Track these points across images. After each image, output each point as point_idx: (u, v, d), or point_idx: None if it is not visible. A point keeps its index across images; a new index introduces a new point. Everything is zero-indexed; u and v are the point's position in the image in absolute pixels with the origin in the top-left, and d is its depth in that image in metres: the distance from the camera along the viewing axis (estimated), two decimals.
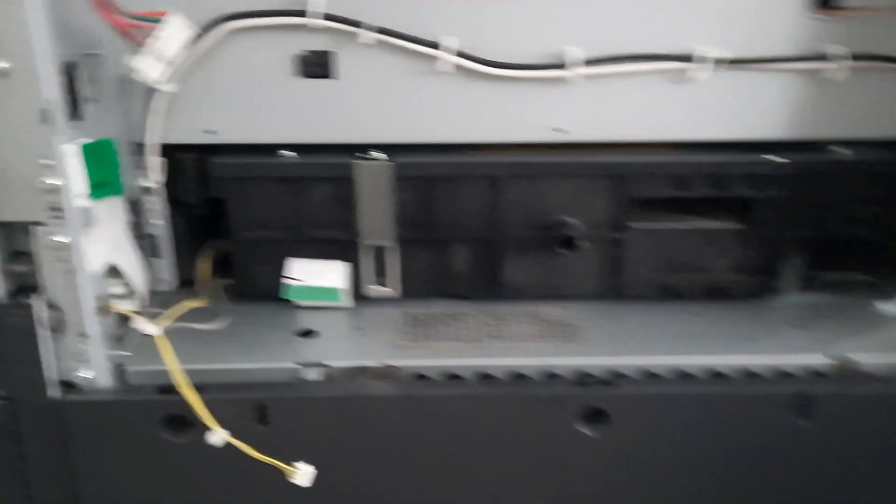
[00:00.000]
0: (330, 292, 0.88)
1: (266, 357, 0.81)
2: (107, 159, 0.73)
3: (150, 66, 0.71)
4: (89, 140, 0.73)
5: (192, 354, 0.80)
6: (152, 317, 0.84)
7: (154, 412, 0.75)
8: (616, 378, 0.79)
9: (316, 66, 0.83)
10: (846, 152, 0.84)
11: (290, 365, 0.79)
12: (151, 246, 0.88)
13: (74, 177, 0.70)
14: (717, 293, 0.89)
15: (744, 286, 0.90)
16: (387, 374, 0.79)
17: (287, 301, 0.89)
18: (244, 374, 0.79)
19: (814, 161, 0.84)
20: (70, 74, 0.72)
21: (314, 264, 0.89)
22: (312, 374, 0.79)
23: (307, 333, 0.86)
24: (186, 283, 0.93)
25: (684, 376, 0.80)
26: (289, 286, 0.87)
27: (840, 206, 0.87)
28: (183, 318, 0.85)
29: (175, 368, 0.74)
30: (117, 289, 0.79)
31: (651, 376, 0.80)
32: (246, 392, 0.76)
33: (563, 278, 0.91)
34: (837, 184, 0.85)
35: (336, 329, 0.87)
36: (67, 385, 0.76)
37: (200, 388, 0.75)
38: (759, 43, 0.83)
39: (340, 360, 0.80)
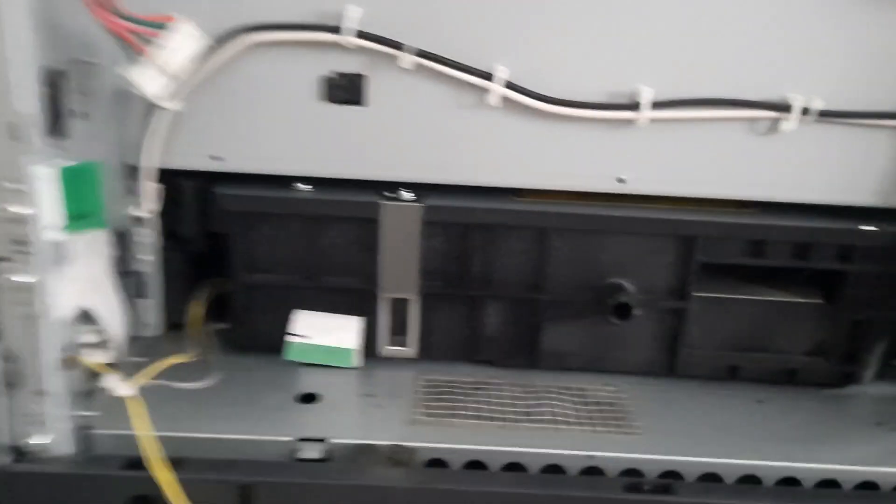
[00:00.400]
0: (340, 354, 0.75)
1: (257, 427, 0.69)
2: (89, 187, 0.62)
3: (149, 80, 0.60)
4: (72, 162, 0.61)
5: (172, 419, 0.68)
6: (130, 369, 0.72)
7: (118, 491, 0.63)
8: (673, 482, 0.67)
9: (344, 90, 0.72)
10: None
11: (284, 438, 0.68)
12: (137, 285, 0.76)
13: (47, 205, 0.59)
14: (788, 378, 0.80)
15: (821, 372, 0.80)
16: (398, 457, 0.67)
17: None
18: (229, 447, 0.67)
19: None
20: (54, 84, 0.61)
21: (324, 318, 0.77)
22: (310, 452, 0.67)
23: (308, 398, 0.74)
24: (176, 328, 0.81)
25: (754, 484, 0.68)
26: (291, 344, 0.75)
27: None
28: (165, 373, 0.73)
29: (147, 438, 0.62)
30: (89, 337, 0.67)
31: (714, 480, 0.68)
32: (229, 471, 0.64)
33: (613, 350, 0.81)
34: None
35: (342, 394, 0.75)
36: (18, 452, 0.64)
37: (176, 463, 0.63)
38: (860, 94, 0.72)
39: (345, 436, 0.69)
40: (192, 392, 0.73)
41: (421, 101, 0.72)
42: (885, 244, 0.74)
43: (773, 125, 0.72)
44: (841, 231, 0.74)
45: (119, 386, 0.65)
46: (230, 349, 0.80)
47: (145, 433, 0.63)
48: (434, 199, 0.76)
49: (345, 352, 0.75)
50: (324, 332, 0.75)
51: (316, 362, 0.75)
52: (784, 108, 0.71)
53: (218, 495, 0.63)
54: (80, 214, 0.61)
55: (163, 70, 0.60)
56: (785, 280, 0.78)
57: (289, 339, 0.75)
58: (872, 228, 0.74)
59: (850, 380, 0.79)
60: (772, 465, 0.68)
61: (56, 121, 0.61)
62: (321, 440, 0.68)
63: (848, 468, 0.68)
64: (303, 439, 0.68)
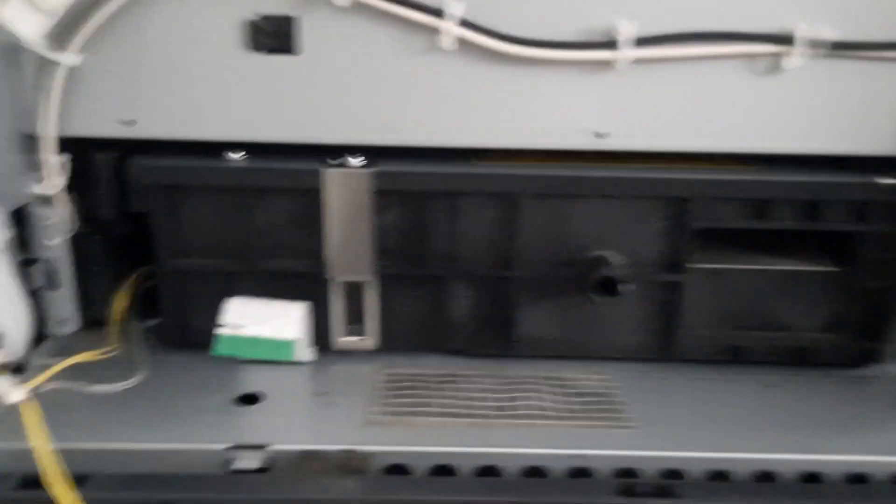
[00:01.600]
0: (279, 347, 0.65)
1: (183, 434, 0.60)
2: None
3: (19, 15, 0.49)
4: None
5: (77, 428, 0.59)
6: (38, 373, 0.62)
7: None
8: (675, 482, 0.58)
9: (272, 36, 0.63)
10: None
11: (215, 446, 0.59)
12: (46, 274, 0.65)
13: None
14: (799, 358, 0.73)
15: (836, 350, 0.73)
16: (351, 464, 0.57)
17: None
18: (148, 460, 0.58)
19: None
20: None
21: (262, 306, 0.67)
22: (247, 461, 0.58)
23: (248, 399, 0.65)
24: (98, 324, 0.71)
25: (768, 482, 0.59)
26: (220, 337, 0.64)
27: None
28: (73, 375, 0.62)
29: (43, 451, 0.52)
30: None
31: (722, 478, 0.60)
32: (146, 488, 0.55)
33: (598, 333, 0.73)
34: None
35: (289, 393, 0.67)
36: None
37: (82, 481, 0.54)
38: (878, 22, 0.63)
39: (288, 441, 0.60)
40: (106, 396, 0.64)
41: (362, 46, 0.64)
42: None
43: (775, 62, 0.65)
44: (855, 186, 0.67)
45: (10, 390, 0.54)
46: (159, 347, 0.71)
47: (41, 445, 0.52)
48: (385, 164, 0.67)
49: (285, 344, 0.65)
50: (260, 321, 0.65)
51: (251, 357, 0.65)
52: (787, 40, 0.63)
53: None
54: None
55: (36, 4, 0.50)
56: (793, 246, 0.72)
57: (218, 331, 0.64)
58: (891, 181, 0.67)
59: (869, 358, 0.72)
60: (789, 458, 0.60)
61: None
62: (260, 447, 0.59)
63: (879, 459, 0.60)
64: (238, 447, 0.59)
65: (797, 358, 0.72)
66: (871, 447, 0.61)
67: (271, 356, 0.65)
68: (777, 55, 0.63)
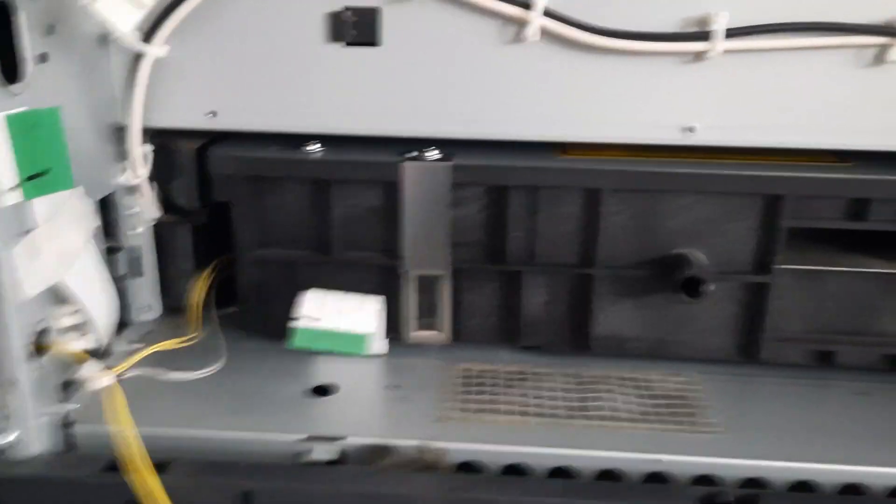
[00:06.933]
0: (353, 340, 0.65)
1: (260, 423, 0.61)
2: (47, 138, 0.52)
3: (114, 7, 0.50)
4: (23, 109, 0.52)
5: (160, 414, 0.61)
6: (121, 358, 0.64)
7: (99, 498, 0.54)
8: (759, 491, 0.56)
9: (356, 28, 0.63)
10: None
11: (291, 437, 0.59)
12: (130, 262, 0.67)
13: (2, 161, 0.50)
14: (893, 366, 0.69)
15: None
16: (425, 459, 0.57)
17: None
18: (227, 447, 0.59)
19: None
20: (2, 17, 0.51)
21: (338, 298, 0.67)
22: (322, 453, 0.58)
23: (322, 390, 0.65)
24: (179, 311, 0.73)
25: (857, 495, 0.57)
26: (296, 330, 0.65)
27: None
28: (156, 361, 0.64)
29: (129, 437, 0.53)
30: (67, 319, 0.58)
31: (808, 489, 0.57)
32: (227, 474, 0.56)
33: (680, 333, 0.70)
34: None
35: (362, 386, 0.67)
36: None
37: (163, 467, 0.55)
38: None
39: (363, 434, 0.60)
40: (186, 383, 0.65)
41: (445, 38, 0.63)
42: None
43: (880, 54, 0.61)
44: None
45: (98, 376, 0.56)
46: (236, 335, 0.72)
47: (126, 431, 0.54)
48: (464, 157, 0.66)
49: (358, 338, 0.65)
50: (335, 314, 0.65)
51: (325, 350, 0.65)
52: (894, 32, 0.60)
53: (214, 503, 0.54)
54: (38, 172, 0.52)
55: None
56: (890, 248, 0.68)
57: (293, 323, 0.65)
58: None
59: None
60: (880, 471, 0.57)
61: (6, 62, 0.52)
62: (335, 439, 0.59)
63: None
64: (314, 438, 0.59)
65: (892, 365, 0.68)
66: None
67: (345, 349, 0.65)
68: (883, 47, 0.59)
